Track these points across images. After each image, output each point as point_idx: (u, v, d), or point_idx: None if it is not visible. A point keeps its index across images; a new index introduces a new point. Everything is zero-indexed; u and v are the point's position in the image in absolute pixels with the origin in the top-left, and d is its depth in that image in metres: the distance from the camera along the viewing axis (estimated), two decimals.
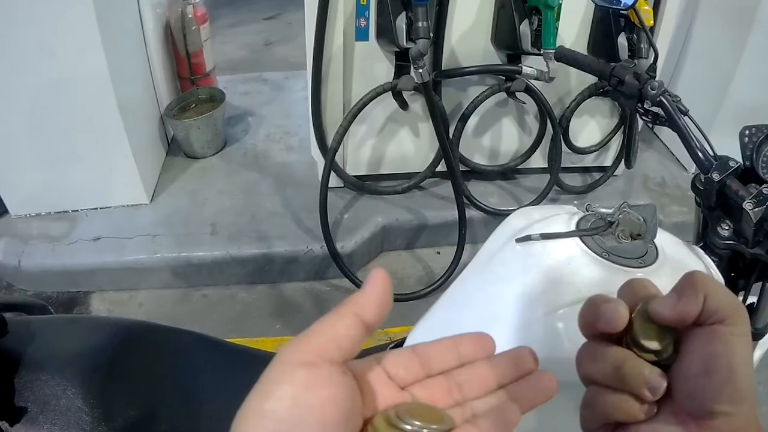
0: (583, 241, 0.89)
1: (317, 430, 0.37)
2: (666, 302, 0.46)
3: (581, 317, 0.49)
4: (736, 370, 0.42)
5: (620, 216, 0.88)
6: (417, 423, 0.42)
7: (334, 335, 0.41)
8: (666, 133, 3.31)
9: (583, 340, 0.50)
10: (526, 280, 0.87)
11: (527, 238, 0.91)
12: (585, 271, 0.85)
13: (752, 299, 1.03)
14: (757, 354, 1.16)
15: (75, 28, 2.20)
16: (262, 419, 0.37)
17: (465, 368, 0.48)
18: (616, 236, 0.88)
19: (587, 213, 0.94)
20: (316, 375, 0.39)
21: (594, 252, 0.87)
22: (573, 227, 0.92)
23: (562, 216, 0.95)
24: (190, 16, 2.97)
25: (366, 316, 0.42)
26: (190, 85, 3.20)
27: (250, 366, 0.95)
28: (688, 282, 0.46)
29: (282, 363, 0.39)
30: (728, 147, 1.02)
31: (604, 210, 0.90)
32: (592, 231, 0.89)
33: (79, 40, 2.23)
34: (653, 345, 0.46)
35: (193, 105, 3.12)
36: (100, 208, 2.69)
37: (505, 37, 2.40)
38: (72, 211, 2.66)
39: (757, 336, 1.05)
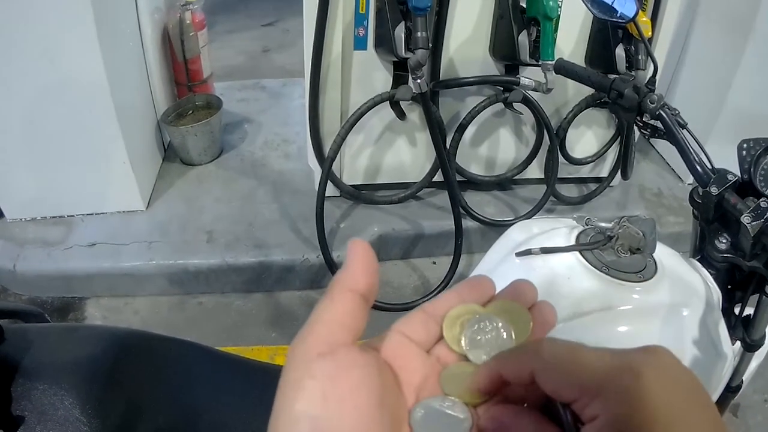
0: (582, 255, 0.89)
1: (356, 417, 0.36)
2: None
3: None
4: None
5: (620, 230, 0.88)
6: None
7: (335, 318, 0.40)
8: (662, 144, 3.32)
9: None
10: None
11: (527, 252, 0.91)
12: (585, 284, 0.86)
13: (749, 311, 1.04)
14: (753, 365, 1.17)
15: (73, 33, 2.20)
16: (296, 422, 0.36)
17: None
18: (615, 250, 0.88)
19: (587, 227, 0.94)
20: (336, 362, 0.38)
21: (593, 266, 0.87)
22: (572, 241, 0.92)
23: (562, 230, 0.96)
24: (188, 22, 2.97)
25: (359, 288, 0.41)
26: (187, 91, 3.19)
27: (248, 377, 0.95)
28: (484, 363, 0.44)
29: (297, 361, 0.38)
30: (726, 157, 1.02)
31: (603, 224, 0.90)
32: (592, 245, 0.89)
33: (76, 45, 2.23)
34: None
35: (190, 112, 3.12)
36: (96, 214, 2.68)
37: (503, 48, 2.41)
38: (68, 216, 2.65)
39: (753, 347, 1.05)
